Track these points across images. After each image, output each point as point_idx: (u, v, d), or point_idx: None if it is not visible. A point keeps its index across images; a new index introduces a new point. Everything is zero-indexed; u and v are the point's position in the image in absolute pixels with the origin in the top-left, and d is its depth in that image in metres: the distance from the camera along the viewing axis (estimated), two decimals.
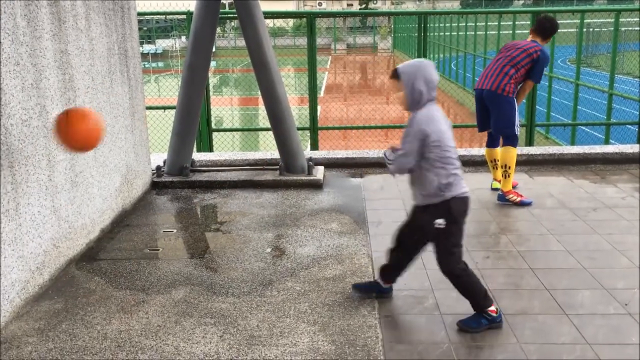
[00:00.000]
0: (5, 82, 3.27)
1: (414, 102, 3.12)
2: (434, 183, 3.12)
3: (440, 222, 3.15)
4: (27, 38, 3.51)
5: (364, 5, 59.42)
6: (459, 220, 3.19)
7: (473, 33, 20.02)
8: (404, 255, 3.47)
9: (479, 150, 6.95)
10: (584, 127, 12.91)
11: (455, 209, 3.15)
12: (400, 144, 3.15)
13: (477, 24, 19.68)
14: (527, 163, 6.61)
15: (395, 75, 3.15)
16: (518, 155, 6.67)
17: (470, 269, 3.28)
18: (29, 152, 3.52)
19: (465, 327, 3.25)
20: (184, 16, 7.91)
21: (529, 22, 8.63)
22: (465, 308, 3.47)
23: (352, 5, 65.59)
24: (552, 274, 3.91)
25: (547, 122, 11.49)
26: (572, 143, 10.66)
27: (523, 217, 5.00)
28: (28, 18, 3.52)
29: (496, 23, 17.06)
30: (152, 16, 12.46)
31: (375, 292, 3.59)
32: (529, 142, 8.28)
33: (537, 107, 8.40)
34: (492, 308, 3.25)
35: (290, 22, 40.51)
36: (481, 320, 3.25)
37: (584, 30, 12.03)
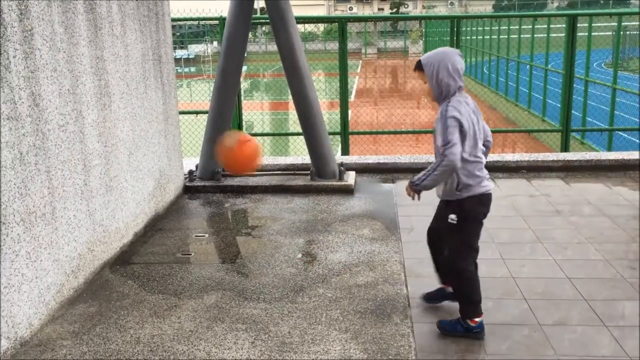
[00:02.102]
0: (43, 87, 3.33)
1: (440, 93, 3.07)
2: (454, 182, 3.13)
3: (452, 217, 3.19)
4: (65, 44, 3.56)
5: (395, 10, 59.24)
6: (470, 218, 3.18)
7: (506, 37, 19.76)
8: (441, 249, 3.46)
9: (513, 156, 6.84)
10: (621, 133, 12.61)
11: (468, 208, 3.15)
12: (441, 138, 3.02)
13: (511, 27, 19.41)
14: (564, 169, 6.47)
15: (418, 66, 3.12)
16: (553, 160, 6.55)
17: (474, 275, 3.25)
18: (65, 156, 3.57)
19: (441, 328, 3.30)
20: (217, 21, 7.98)
21: (563, 26, 8.47)
22: (502, 317, 3.41)
23: (383, 9, 65.50)
24: (591, 284, 3.81)
25: (583, 127, 11.25)
26: (609, 149, 10.42)
27: (560, 225, 4.88)
28: (65, 25, 3.57)
29: (530, 26, 16.81)
30: (185, 22, 12.62)
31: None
32: (565, 148, 8.12)
33: (572, 111, 8.23)
34: (475, 319, 3.21)
35: (321, 26, 40.59)
36: (457, 327, 3.25)
37: (621, 33, 11.76)
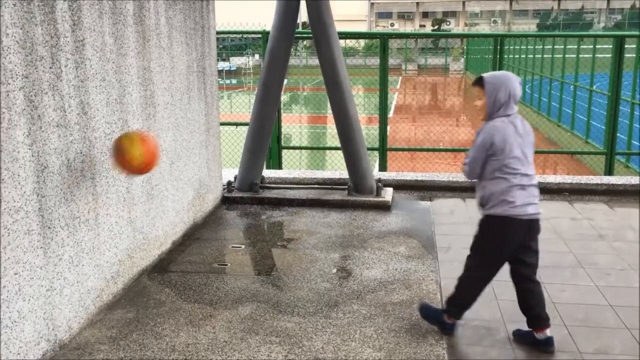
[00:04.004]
0: (92, 96, 3.42)
1: (492, 112, 3.17)
2: (478, 198, 3.26)
3: (477, 229, 3.32)
4: (114, 55, 3.66)
5: (437, 27, 59.07)
6: (490, 237, 3.21)
7: (550, 56, 19.46)
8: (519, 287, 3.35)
9: (555, 178, 6.71)
10: None
11: (487, 225, 3.22)
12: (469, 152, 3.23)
13: (555, 46, 19.12)
14: (607, 193, 6.31)
15: (479, 82, 3.19)
16: (597, 184, 6.40)
17: (483, 287, 3.29)
18: (110, 164, 3.65)
19: (423, 313, 3.43)
20: (259, 35, 8.09)
21: (610, 47, 8.31)
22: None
23: (424, 26, 65.40)
24: (634, 313, 3.69)
25: (628, 151, 10.97)
26: None
27: (603, 250, 4.76)
28: (115, 36, 3.68)
29: (575, 46, 16.53)
30: (229, 35, 12.84)
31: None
32: (609, 171, 7.92)
33: (618, 134, 8.04)
34: (453, 319, 3.34)
35: (362, 41, 40.71)
36: (436, 318, 3.37)
37: None
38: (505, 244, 3.18)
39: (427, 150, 10.94)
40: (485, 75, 3.20)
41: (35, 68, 2.92)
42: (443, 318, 3.35)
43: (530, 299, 3.26)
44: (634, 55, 10.71)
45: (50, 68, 3.04)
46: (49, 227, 3.06)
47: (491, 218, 3.18)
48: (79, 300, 3.36)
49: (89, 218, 3.43)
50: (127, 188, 3.87)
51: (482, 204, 3.23)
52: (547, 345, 3.23)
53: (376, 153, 8.11)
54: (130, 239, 3.95)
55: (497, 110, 3.14)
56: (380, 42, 7.78)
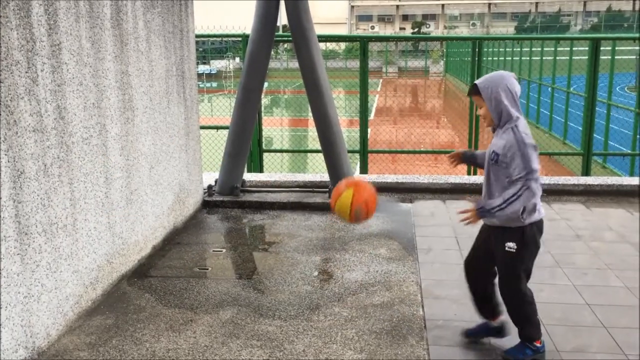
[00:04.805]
0: (69, 101, 3.39)
1: (500, 117, 3.02)
2: (520, 208, 2.99)
3: (511, 245, 3.08)
4: (91, 59, 3.63)
5: (416, 29, 59.44)
6: (530, 245, 3.11)
7: (528, 58, 19.70)
8: (484, 282, 3.34)
9: None
10: None
11: (529, 235, 3.08)
12: (523, 165, 2.94)
13: (533, 49, 19.37)
14: (584, 193, 6.40)
15: (474, 91, 3.06)
16: (574, 184, 6.49)
17: (532, 297, 3.19)
18: (88, 169, 3.62)
19: (510, 357, 3.19)
20: (239, 38, 8.08)
21: (586, 49, 8.44)
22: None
23: (404, 28, 65.76)
24: (611, 311, 3.75)
25: (605, 151, 11.14)
26: (631, 174, 10.27)
27: (580, 250, 4.83)
28: (92, 40, 3.65)
29: (552, 49, 16.76)
30: (209, 38, 12.80)
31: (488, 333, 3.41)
32: (586, 172, 8.04)
33: (594, 135, 8.16)
34: (539, 340, 3.19)
35: (342, 44, 40.81)
36: (526, 351, 3.18)
37: None
38: (538, 245, 3.17)
39: (408, 152, 11.01)
40: (477, 81, 3.07)
41: (11, 73, 2.89)
42: (535, 345, 3.16)
43: (493, 289, 3.31)
44: (610, 57, 10.89)
45: (26, 72, 3.01)
46: (26, 234, 3.02)
47: (533, 225, 3.08)
48: (57, 307, 3.32)
49: (67, 224, 3.40)
50: (105, 193, 3.84)
51: (523, 215, 3.03)
52: (504, 330, 3.34)
53: (357, 155, 8.14)
54: (109, 244, 3.92)
55: (509, 113, 2.99)
56: (360, 45, 7.81)
